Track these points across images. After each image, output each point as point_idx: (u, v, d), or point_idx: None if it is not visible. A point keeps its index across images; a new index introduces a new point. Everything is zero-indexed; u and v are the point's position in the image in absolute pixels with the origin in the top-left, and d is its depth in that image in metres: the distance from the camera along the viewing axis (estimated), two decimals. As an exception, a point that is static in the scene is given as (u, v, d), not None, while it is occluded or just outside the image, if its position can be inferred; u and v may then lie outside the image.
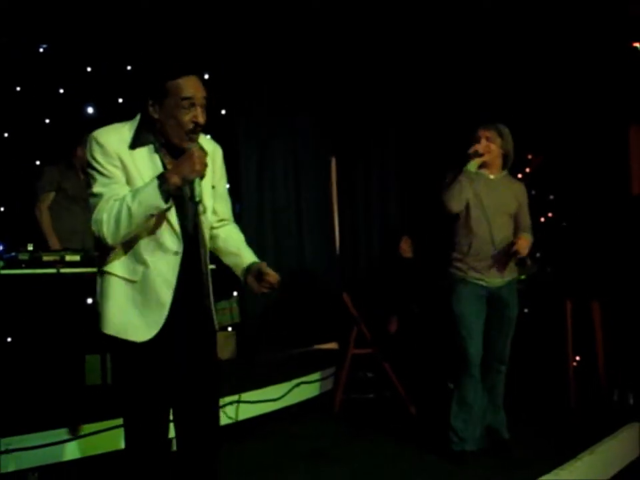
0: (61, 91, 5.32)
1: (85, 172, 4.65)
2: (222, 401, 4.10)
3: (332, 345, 6.00)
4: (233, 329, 5.63)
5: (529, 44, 5.51)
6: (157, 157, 2.27)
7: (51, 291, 3.93)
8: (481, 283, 3.56)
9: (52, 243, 4.57)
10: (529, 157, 5.74)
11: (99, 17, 5.07)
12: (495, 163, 3.62)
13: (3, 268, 3.82)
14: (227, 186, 2.58)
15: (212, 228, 2.51)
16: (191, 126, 2.23)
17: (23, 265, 3.79)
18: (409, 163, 6.72)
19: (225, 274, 2.62)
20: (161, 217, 2.24)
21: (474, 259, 3.55)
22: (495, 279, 3.57)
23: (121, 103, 5.58)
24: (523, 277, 4.77)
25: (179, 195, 2.25)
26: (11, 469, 3.14)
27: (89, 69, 5.42)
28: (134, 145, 2.24)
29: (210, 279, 2.43)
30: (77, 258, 3.91)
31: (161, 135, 2.27)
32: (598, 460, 3.49)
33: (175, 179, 2.16)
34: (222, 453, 2.49)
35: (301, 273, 6.27)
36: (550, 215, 5.69)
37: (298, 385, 4.73)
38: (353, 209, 6.76)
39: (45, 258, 3.85)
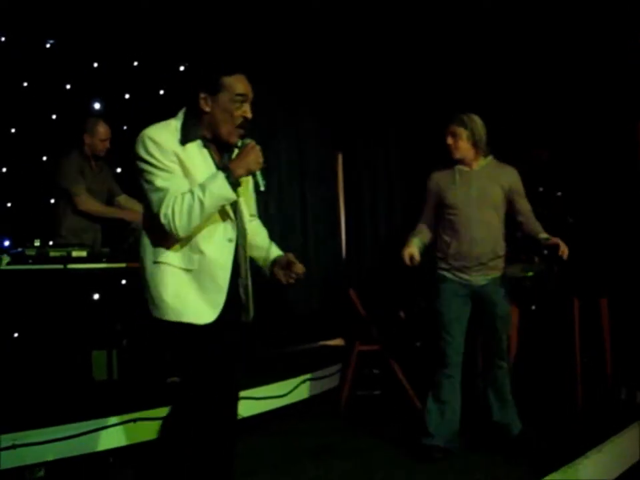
0: (68, 86, 5.32)
1: (96, 158, 4.61)
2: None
3: (338, 342, 6.00)
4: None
5: (536, 38, 5.48)
6: (206, 151, 2.40)
7: (58, 287, 3.94)
8: (462, 281, 3.52)
9: (117, 214, 4.47)
10: (535, 151, 5.71)
11: (105, 13, 5.07)
12: (468, 156, 3.54)
13: (10, 263, 3.83)
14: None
15: None
16: (241, 120, 2.40)
17: (30, 261, 3.80)
18: (416, 157, 6.69)
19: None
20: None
21: (454, 258, 3.51)
22: (477, 277, 3.52)
23: (127, 99, 5.58)
24: (530, 274, 4.75)
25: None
26: (17, 464, 3.15)
27: (95, 65, 5.42)
28: (184, 140, 2.35)
29: (249, 266, 2.56)
30: (83, 254, 3.91)
31: (209, 128, 2.40)
32: (606, 458, 3.47)
33: (241, 171, 2.34)
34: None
35: (306, 268, 6.24)
36: (557, 211, 5.66)
37: (304, 381, 4.73)
38: (358, 203, 6.74)
39: (52, 254, 3.85)
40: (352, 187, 6.75)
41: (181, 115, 2.42)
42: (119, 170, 5.01)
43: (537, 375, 4.71)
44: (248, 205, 2.59)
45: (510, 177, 3.58)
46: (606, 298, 4.66)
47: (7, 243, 4.64)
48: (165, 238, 2.33)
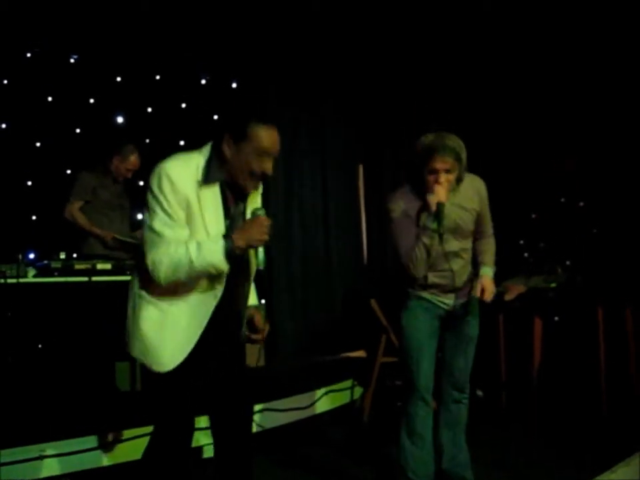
0: (91, 100, 5.40)
1: (116, 181, 4.72)
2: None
3: (360, 353, 5.98)
4: (260, 337, 5.63)
5: (564, 47, 5.46)
6: (219, 196, 2.28)
7: (83, 299, 3.98)
8: (438, 303, 3.06)
9: (99, 233, 4.52)
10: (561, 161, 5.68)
11: (127, 28, 5.14)
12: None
13: (36, 276, 3.89)
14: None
15: None
16: (258, 173, 2.26)
17: (56, 273, 3.85)
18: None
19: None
20: None
21: (430, 289, 3.04)
22: (456, 300, 3.08)
23: (149, 112, 5.65)
24: (553, 284, 4.72)
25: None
26: (44, 475, 3.17)
27: (118, 79, 5.50)
28: (205, 180, 2.24)
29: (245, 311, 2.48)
30: (108, 266, 3.96)
31: (228, 172, 2.27)
32: (633, 471, 3.42)
33: (241, 242, 2.20)
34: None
35: (328, 279, 6.26)
36: (580, 221, 5.63)
37: (326, 393, 4.72)
38: (380, 215, 6.74)
39: (77, 266, 3.90)
40: (373, 198, 6.75)
41: (205, 151, 2.30)
42: (141, 183, 5.06)
43: (561, 387, 4.66)
44: (253, 263, 2.44)
45: (478, 193, 3.07)
46: (630, 307, 4.61)
47: (32, 256, 4.70)
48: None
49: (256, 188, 2.34)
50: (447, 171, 2.87)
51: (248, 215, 2.35)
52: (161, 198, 2.19)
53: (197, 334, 2.28)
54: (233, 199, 2.33)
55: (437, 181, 2.86)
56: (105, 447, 3.38)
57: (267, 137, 2.24)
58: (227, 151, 2.25)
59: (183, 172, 2.22)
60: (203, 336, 2.29)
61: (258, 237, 2.21)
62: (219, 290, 2.30)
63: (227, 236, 2.21)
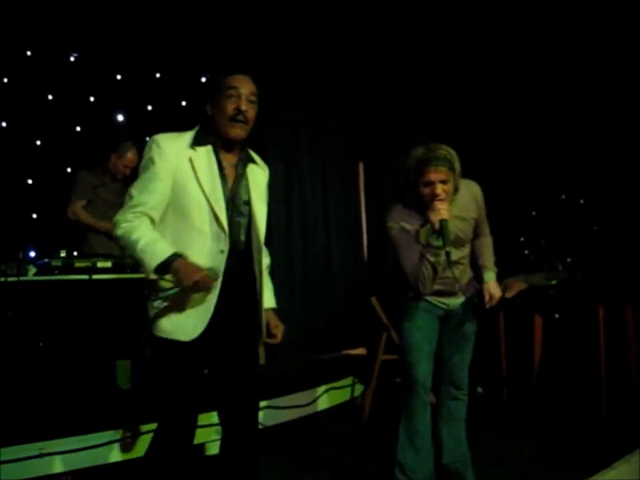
0: (92, 98, 5.40)
1: (114, 179, 4.72)
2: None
3: (360, 351, 5.99)
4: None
5: (561, 46, 5.45)
6: (213, 159, 2.40)
7: (83, 297, 3.98)
8: (438, 303, 3.10)
9: (109, 227, 4.49)
10: (561, 160, 5.68)
11: (127, 26, 5.14)
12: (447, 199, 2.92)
13: (36, 274, 3.89)
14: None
15: None
16: (232, 112, 2.37)
17: (56, 271, 3.86)
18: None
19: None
20: (211, 219, 2.35)
21: (431, 295, 3.06)
22: (455, 300, 3.11)
23: (149, 110, 5.64)
24: (553, 282, 4.72)
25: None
26: (44, 472, 3.18)
27: (118, 77, 5.49)
28: (194, 144, 2.38)
29: (262, 284, 2.54)
30: (108, 264, 3.96)
31: (216, 132, 2.41)
32: (633, 469, 3.42)
33: (175, 269, 2.27)
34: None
35: (328, 277, 6.25)
36: (581, 218, 5.62)
37: (327, 390, 4.73)
38: (380, 213, 6.74)
39: (77, 264, 3.91)
40: (374, 196, 6.74)
41: (196, 127, 2.47)
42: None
43: (561, 384, 4.67)
44: (261, 228, 2.54)
45: (477, 200, 3.07)
46: (631, 305, 4.61)
47: (32, 254, 4.70)
48: None
49: (242, 132, 2.41)
50: (442, 182, 2.82)
51: (249, 180, 2.51)
52: (149, 163, 2.34)
53: (212, 303, 2.36)
54: (230, 161, 2.45)
55: (433, 193, 2.83)
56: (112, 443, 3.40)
57: (233, 79, 2.41)
58: (209, 111, 2.42)
59: (173, 141, 2.38)
60: (219, 306, 2.37)
61: (185, 279, 2.25)
62: (224, 245, 2.37)
63: (178, 256, 2.28)
